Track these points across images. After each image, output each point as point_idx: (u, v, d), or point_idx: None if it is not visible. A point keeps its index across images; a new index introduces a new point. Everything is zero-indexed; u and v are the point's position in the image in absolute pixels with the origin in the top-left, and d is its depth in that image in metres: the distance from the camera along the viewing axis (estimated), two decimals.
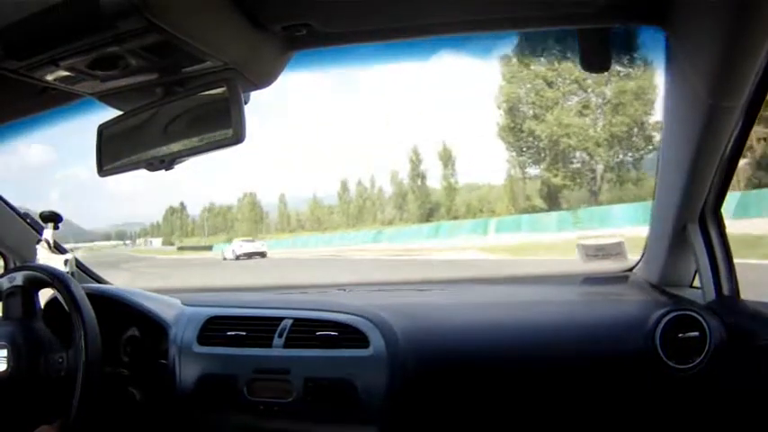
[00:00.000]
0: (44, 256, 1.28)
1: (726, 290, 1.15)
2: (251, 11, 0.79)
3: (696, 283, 1.26)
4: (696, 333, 1.08)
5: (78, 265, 1.46)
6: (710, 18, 0.80)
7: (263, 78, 0.91)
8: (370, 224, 28.08)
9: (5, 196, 1.42)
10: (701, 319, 1.09)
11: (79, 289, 1.06)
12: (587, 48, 0.96)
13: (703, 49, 0.85)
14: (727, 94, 0.89)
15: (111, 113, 0.94)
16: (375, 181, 29.72)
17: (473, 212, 24.41)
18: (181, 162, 0.89)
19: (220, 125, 0.82)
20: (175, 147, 0.88)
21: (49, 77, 0.81)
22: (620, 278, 1.46)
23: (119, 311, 1.23)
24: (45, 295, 1.18)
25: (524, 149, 21.67)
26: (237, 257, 17.70)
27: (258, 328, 1.20)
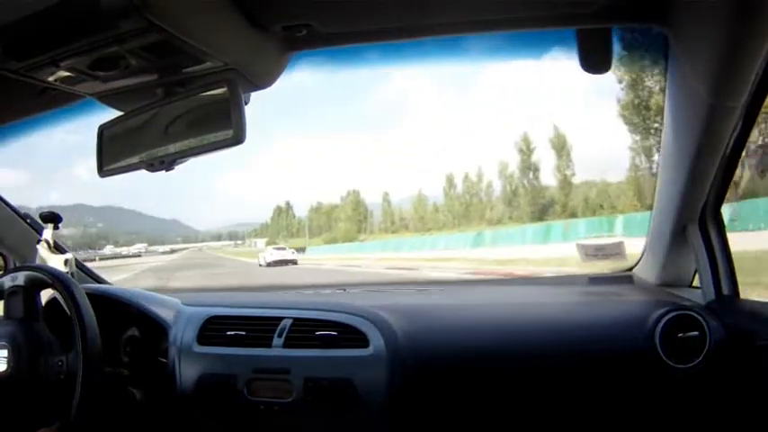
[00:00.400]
0: (44, 256, 1.28)
1: (725, 290, 1.16)
2: (251, 11, 0.79)
3: (696, 282, 1.26)
4: (696, 333, 1.08)
5: (78, 265, 1.45)
6: (711, 18, 0.80)
7: (264, 79, 0.91)
8: (477, 223, 24.76)
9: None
10: (700, 318, 1.09)
11: (79, 290, 1.06)
12: (587, 48, 0.96)
13: (704, 49, 0.85)
14: (728, 94, 0.89)
15: (111, 114, 0.94)
16: (483, 175, 26.32)
17: (592, 209, 20.89)
18: (181, 163, 0.89)
19: (221, 126, 0.82)
20: (176, 147, 0.88)
21: (50, 78, 0.82)
22: (620, 278, 1.47)
23: (119, 311, 1.23)
24: (45, 295, 1.18)
25: (652, 131, 16.83)
26: (268, 264, 17.62)
27: (258, 328, 1.20)
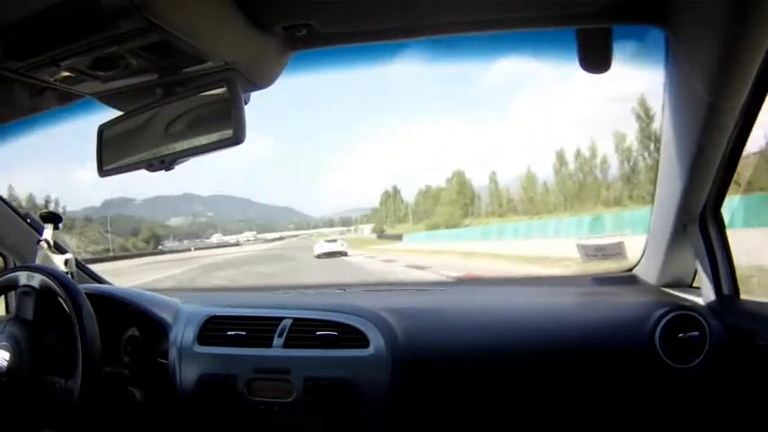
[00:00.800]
0: (44, 256, 1.28)
1: (726, 290, 1.16)
2: (251, 11, 0.79)
3: (696, 283, 1.26)
4: (696, 333, 1.08)
5: (78, 265, 1.46)
6: (711, 18, 0.80)
7: (264, 78, 0.91)
8: (593, 204, 21.72)
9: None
10: (700, 318, 1.09)
11: (80, 291, 1.06)
12: (587, 47, 0.96)
13: (703, 49, 0.85)
14: (728, 95, 0.89)
15: (110, 114, 0.94)
16: (597, 149, 23.33)
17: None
18: (181, 162, 0.89)
19: (220, 125, 0.82)
20: (175, 147, 0.88)
21: (50, 78, 0.82)
22: (620, 278, 1.47)
23: (119, 311, 1.23)
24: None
25: None
26: (318, 256, 18.13)
27: (258, 328, 1.20)
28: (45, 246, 1.29)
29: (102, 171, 0.93)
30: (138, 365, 1.21)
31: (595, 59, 0.98)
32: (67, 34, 0.71)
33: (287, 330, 1.18)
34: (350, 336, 1.15)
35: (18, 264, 1.45)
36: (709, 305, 1.16)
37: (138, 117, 0.90)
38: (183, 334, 1.22)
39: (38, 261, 1.29)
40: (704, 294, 1.18)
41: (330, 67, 1.10)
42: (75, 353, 1.00)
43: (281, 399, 1.12)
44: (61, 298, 1.04)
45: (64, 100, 0.94)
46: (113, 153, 0.93)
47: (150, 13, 0.66)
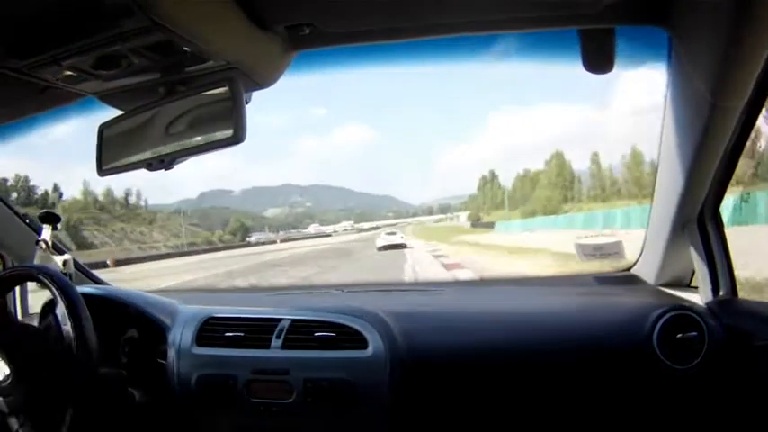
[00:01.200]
0: (42, 257, 1.28)
1: (724, 290, 1.16)
2: (253, 10, 0.79)
3: (694, 282, 1.27)
4: (694, 333, 1.08)
5: (76, 266, 1.45)
6: (712, 18, 0.80)
7: (266, 78, 0.91)
8: None
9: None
10: (699, 319, 1.09)
11: (76, 293, 1.05)
12: (590, 48, 0.96)
13: (705, 49, 0.85)
14: (729, 94, 0.89)
15: (111, 112, 0.94)
16: None
17: None
18: (181, 162, 0.89)
19: (221, 125, 0.82)
20: (176, 147, 0.88)
21: (52, 77, 0.81)
22: (619, 278, 1.47)
23: (118, 313, 1.23)
24: (42, 297, 1.18)
25: None
26: (378, 249, 18.44)
27: (256, 329, 1.20)
28: (43, 246, 1.28)
29: (102, 170, 0.93)
30: (136, 366, 1.20)
31: (598, 60, 0.98)
32: (69, 33, 0.71)
33: (285, 331, 1.17)
34: (348, 337, 1.15)
35: (16, 264, 1.45)
36: (708, 305, 1.16)
37: (138, 116, 0.90)
38: (181, 335, 1.21)
39: (36, 261, 1.28)
40: (702, 294, 1.19)
41: (336, 67, 1.11)
42: (71, 354, 1.00)
43: (280, 400, 1.12)
44: (57, 298, 1.04)
45: (65, 99, 0.94)
46: (113, 152, 0.93)
47: (153, 12, 0.66)
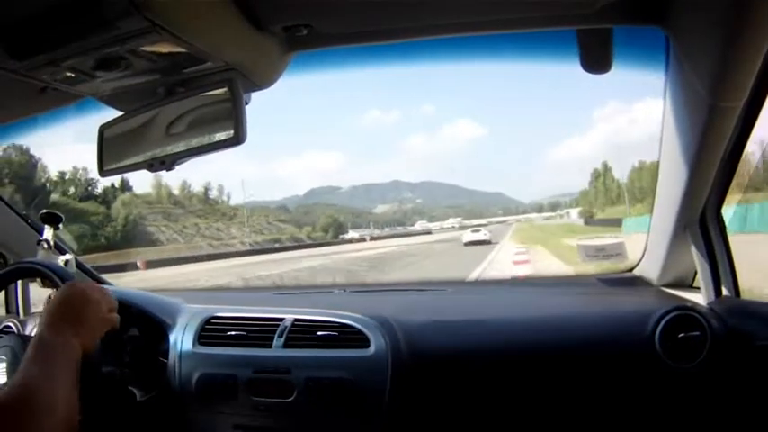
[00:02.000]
0: (44, 257, 1.28)
1: (726, 290, 1.16)
2: (251, 12, 0.79)
3: (696, 283, 1.26)
4: (697, 333, 1.08)
5: (78, 265, 1.45)
6: (711, 18, 0.80)
7: (265, 79, 0.91)
8: None
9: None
10: (701, 318, 1.08)
11: None
12: (588, 48, 0.96)
13: (704, 49, 0.85)
14: (728, 94, 0.89)
15: (111, 113, 0.94)
16: None
17: None
18: (182, 163, 0.89)
19: (221, 126, 0.82)
20: (176, 147, 0.88)
21: (51, 78, 0.81)
22: (621, 278, 1.47)
23: (119, 311, 1.23)
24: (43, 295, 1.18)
25: None
26: (465, 244, 19.73)
27: (258, 329, 1.20)
28: (45, 246, 1.28)
29: (103, 171, 0.93)
30: (138, 365, 1.21)
31: (596, 60, 0.98)
32: (68, 35, 0.71)
33: (287, 331, 1.18)
34: (350, 336, 1.15)
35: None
36: (710, 305, 1.16)
37: (138, 117, 0.90)
38: (183, 334, 1.22)
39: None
40: (705, 294, 1.19)
41: (337, 67, 1.10)
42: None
43: (281, 399, 1.12)
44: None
45: (64, 100, 0.94)
46: (114, 153, 0.93)
47: (151, 14, 0.66)
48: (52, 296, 1.16)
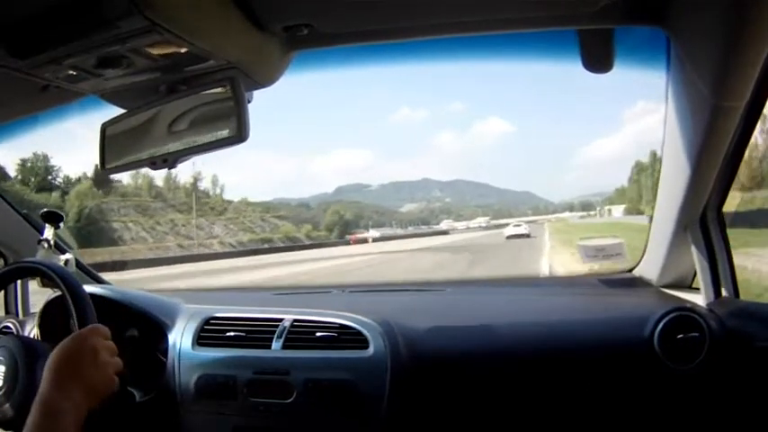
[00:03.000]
0: (44, 256, 1.28)
1: (726, 291, 1.16)
2: (251, 11, 0.79)
3: (696, 283, 1.26)
4: (696, 334, 1.08)
5: (78, 265, 1.45)
6: (712, 18, 0.80)
7: (266, 77, 0.92)
8: None
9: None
10: (700, 320, 1.08)
11: (84, 292, 1.05)
12: (589, 48, 0.96)
13: (705, 49, 0.85)
14: (730, 94, 0.89)
15: (113, 111, 0.94)
16: None
17: None
18: (184, 161, 0.89)
19: (223, 124, 0.83)
20: (178, 145, 0.88)
21: (53, 76, 0.82)
22: (621, 279, 1.47)
23: (119, 312, 1.23)
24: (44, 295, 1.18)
25: None
26: (507, 238, 21.53)
27: (257, 329, 1.20)
28: (45, 245, 1.28)
29: (105, 169, 0.94)
30: (137, 366, 1.20)
31: (597, 59, 0.98)
32: (69, 34, 0.71)
33: (286, 331, 1.17)
34: (350, 337, 1.15)
35: None
36: (709, 306, 1.16)
37: (140, 115, 0.91)
38: (182, 335, 1.22)
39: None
40: (704, 295, 1.19)
41: (338, 67, 1.11)
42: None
43: (281, 400, 1.12)
44: (60, 291, 1.03)
45: (66, 98, 0.95)
46: (116, 151, 0.93)
47: (152, 13, 0.66)
48: (49, 299, 1.16)
